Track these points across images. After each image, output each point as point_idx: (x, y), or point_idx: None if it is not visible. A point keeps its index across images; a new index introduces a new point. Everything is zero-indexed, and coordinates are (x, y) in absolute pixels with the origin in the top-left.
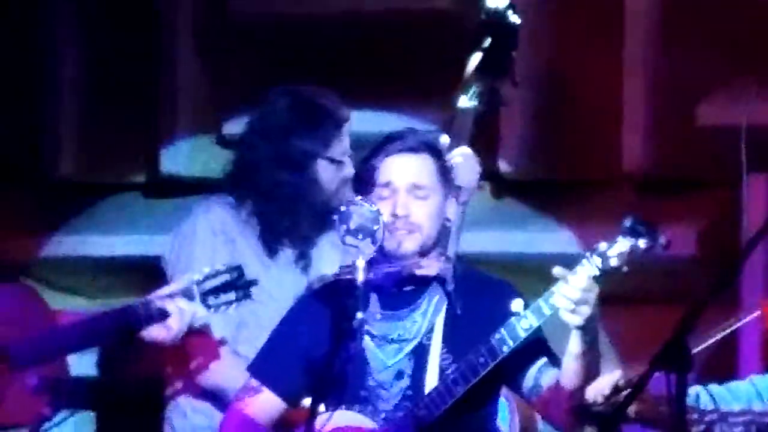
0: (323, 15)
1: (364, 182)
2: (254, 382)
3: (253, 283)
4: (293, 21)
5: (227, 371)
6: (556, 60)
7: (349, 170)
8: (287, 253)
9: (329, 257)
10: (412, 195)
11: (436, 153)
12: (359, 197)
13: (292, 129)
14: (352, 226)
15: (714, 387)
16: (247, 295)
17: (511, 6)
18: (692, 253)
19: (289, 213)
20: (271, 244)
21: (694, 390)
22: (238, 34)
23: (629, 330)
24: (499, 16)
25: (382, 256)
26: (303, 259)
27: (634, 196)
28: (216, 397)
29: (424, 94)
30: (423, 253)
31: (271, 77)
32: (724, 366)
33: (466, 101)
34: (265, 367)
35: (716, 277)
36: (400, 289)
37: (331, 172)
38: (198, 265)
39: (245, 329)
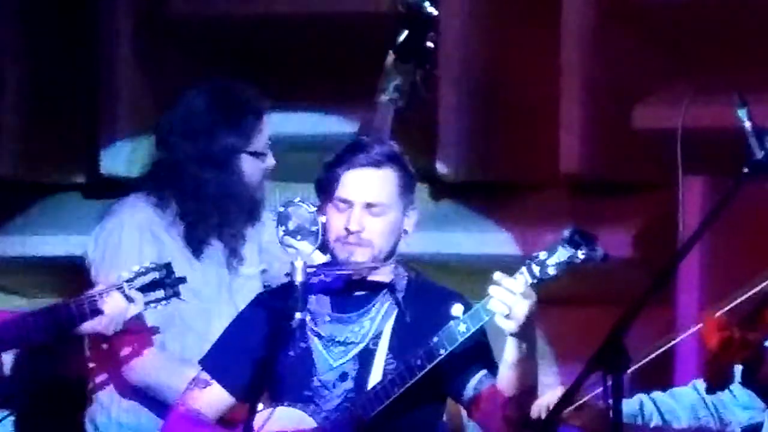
0: (261, 16)
1: (324, 191)
2: (205, 375)
3: (181, 280)
4: (232, 22)
5: (154, 367)
6: (492, 61)
7: (270, 161)
8: (214, 251)
9: (250, 254)
10: (368, 211)
11: (401, 165)
12: (297, 198)
13: (212, 125)
14: (291, 227)
15: (657, 394)
16: (176, 293)
17: None
18: (628, 255)
19: (216, 210)
20: (196, 242)
21: (637, 398)
22: (176, 35)
23: (565, 331)
24: (415, 6)
25: (334, 262)
26: (235, 256)
27: (571, 197)
28: (142, 394)
29: (365, 96)
30: (375, 263)
31: (209, 78)
32: (660, 372)
33: (385, 96)
34: (215, 362)
35: (652, 279)
36: (351, 293)
37: (254, 166)
38: (124, 263)
39: (172, 327)
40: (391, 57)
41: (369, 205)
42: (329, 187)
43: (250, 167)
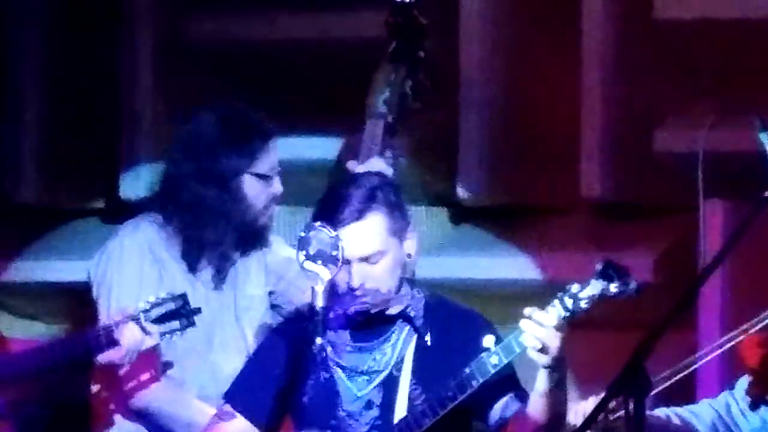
0: (281, 41)
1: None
2: (228, 408)
3: (197, 311)
4: (251, 47)
5: (160, 396)
6: (512, 85)
7: (277, 186)
8: (209, 271)
9: (255, 276)
10: (365, 263)
11: (386, 202)
12: (318, 223)
13: (216, 145)
14: (312, 251)
15: (680, 410)
16: (192, 323)
17: (416, 5)
18: (649, 279)
19: (211, 229)
20: (192, 261)
21: (663, 412)
22: (196, 60)
23: (586, 355)
24: (403, 13)
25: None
26: (218, 275)
27: (591, 221)
28: (146, 419)
29: None
30: (386, 301)
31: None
32: (683, 390)
33: (376, 109)
34: (239, 395)
35: (674, 302)
36: (369, 323)
37: (257, 188)
38: (127, 285)
39: (173, 350)
40: (380, 69)
41: (364, 259)
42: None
43: (253, 189)
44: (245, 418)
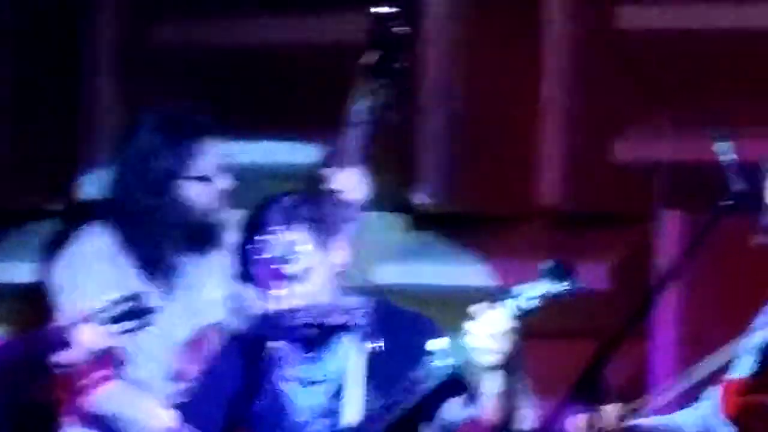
0: (243, 46)
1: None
2: (180, 422)
3: (153, 310)
4: (212, 52)
5: (115, 398)
6: (472, 92)
7: (222, 183)
8: (164, 275)
9: (215, 279)
10: (293, 281)
11: (308, 218)
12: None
13: (151, 150)
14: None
15: (664, 420)
16: (148, 323)
17: (399, 14)
18: (605, 288)
19: (156, 235)
20: (147, 266)
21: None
22: (157, 64)
23: (542, 364)
24: (385, 23)
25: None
26: (172, 280)
27: (549, 229)
28: (102, 423)
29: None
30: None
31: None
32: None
33: (355, 118)
34: (190, 409)
35: (629, 312)
36: (318, 334)
37: (197, 190)
38: (87, 291)
39: (132, 355)
40: (359, 78)
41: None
42: (247, 258)
43: (195, 192)
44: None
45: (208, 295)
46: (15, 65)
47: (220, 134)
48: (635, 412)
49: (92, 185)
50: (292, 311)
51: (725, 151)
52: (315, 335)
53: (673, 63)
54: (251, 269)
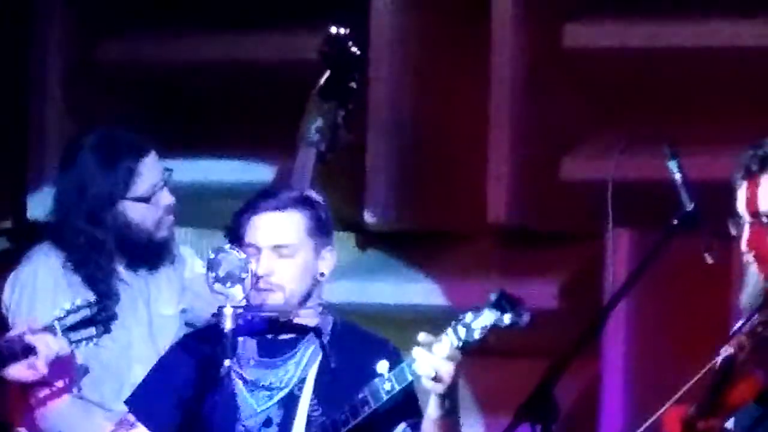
0: (190, 62)
1: (233, 239)
2: (131, 417)
3: (113, 317)
4: (160, 68)
5: (65, 413)
6: (421, 111)
7: (166, 200)
8: (128, 293)
9: (167, 294)
10: (276, 254)
11: (308, 208)
12: (227, 245)
13: (89, 174)
14: (221, 273)
15: None
16: (108, 330)
17: (350, 36)
18: (554, 306)
19: (95, 259)
20: (95, 286)
21: None
22: (106, 81)
23: (491, 383)
24: (337, 45)
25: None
26: (123, 297)
27: (498, 247)
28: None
29: (292, 143)
30: (289, 307)
31: (137, 124)
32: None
33: (308, 138)
34: (140, 404)
35: (579, 330)
36: (276, 336)
37: (140, 210)
38: (39, 309)
39: (91, 372)
40: (312, 99)
41: (277, 248)
42: (237, 234)
43: (136, 212)
44: (145, 426)
45: (164, 311)
46: None
47: (161, 152)
48: None
49: (41, 204)
50: (258, 284)
51: (675, 169)
52: (275, 335)
53: (622, 81)
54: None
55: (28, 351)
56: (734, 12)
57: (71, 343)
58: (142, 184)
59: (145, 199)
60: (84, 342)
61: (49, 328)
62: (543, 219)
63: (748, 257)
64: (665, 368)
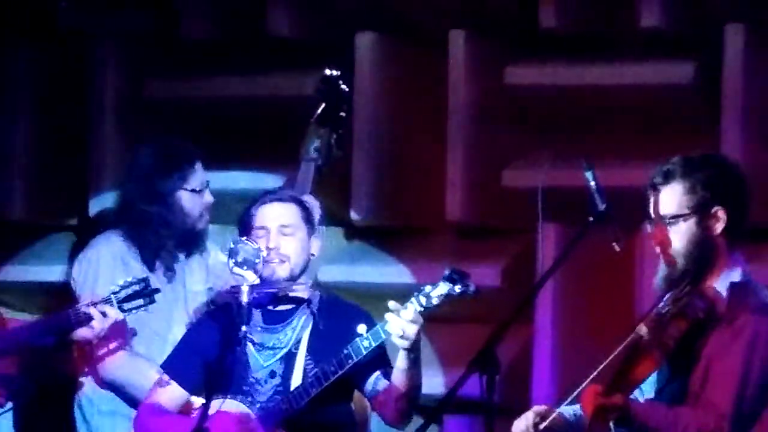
0: (217, 97)
1: (245, 225)
2: (165, 377)
3: (156, 291)
4: (193, 102)
5: (122, 366)
6: (394, 134)
7: (208, 197)
8: (162, 270)
9: (198, 275)
10: (281, 233)
11: (301, 203)
12: (244, 237)
13: (154, 170)
14: (239, 259)
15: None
16: (153, 301)
17: (341, 77)
18: (498, 285)
19: (157, 237)
20: (149, 263)
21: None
22: (150, 112)
23: (449, 343)
24: (331, 83)
25: (262, 280)
26: (169, 272)
27: (454, 239)
28: (111, 385)
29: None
30: (293, 278)
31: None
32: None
33: (308, 155)
34: (173, 366)
35: (516, 303)
36: (276, 307)
37: (192, 201)
38: (102, 284)
39: (140, 332)
40: (311, 124)
41: (282, 227)
42: (249, 222)
43: (189, 202)
44: (178, 384)
45: (195, 288)
46: (39, 112)
47: (203, 161)
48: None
49: (99, 205)
50: (269, 255)
51: (591, 178)
52: (277, 305)
53: (550, 111)
54: (248, 256)
55: (91, 318)
56: (637, 56)
57: (124, 311)
58: (195, 180)
59: (197, 192)
60: (134, 310)
61: (107, 300)
62: (488, 217)
63: (657, 249)
64: (583, 332)
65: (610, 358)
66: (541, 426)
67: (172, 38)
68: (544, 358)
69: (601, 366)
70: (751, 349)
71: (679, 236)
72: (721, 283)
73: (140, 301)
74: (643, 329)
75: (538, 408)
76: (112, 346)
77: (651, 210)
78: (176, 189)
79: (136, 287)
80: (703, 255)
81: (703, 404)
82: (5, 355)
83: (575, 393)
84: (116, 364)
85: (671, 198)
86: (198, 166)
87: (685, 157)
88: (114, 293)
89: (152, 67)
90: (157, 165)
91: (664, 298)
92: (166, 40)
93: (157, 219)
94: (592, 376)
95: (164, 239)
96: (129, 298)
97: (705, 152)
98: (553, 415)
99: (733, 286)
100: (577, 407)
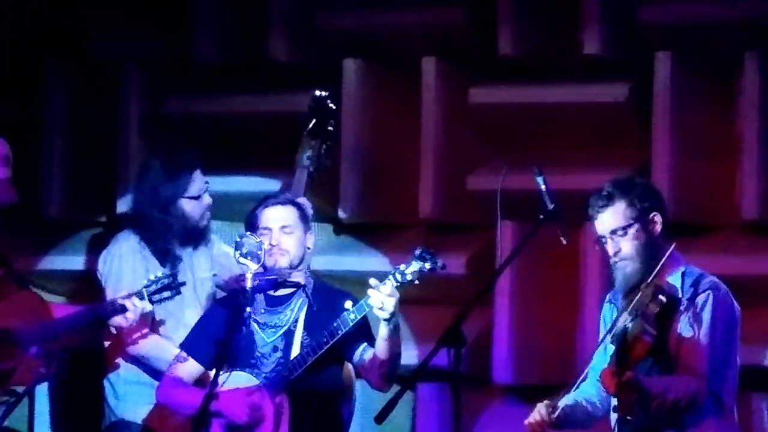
0: (227, 113)
1: (251, 225)
2: (183, 354)
3: (182, 284)
4: (205, 117)
5: (147, 345)
6: (377, 145)
7: (207, 200)
8: (181, 263)
9: (204, 264)
10: (282, 232)
11: (298, 205)
12: (248, 232)
13: (157, 181)
14: (244, 251)
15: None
16: (179, 292)
17: (329, 97)
18: (463, 272)
19: (161, 239)
20: (160, 257)
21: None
22: (168, 126)
23: (422, 321)
24: (320, 101)
25: (265, 269)
26: (178, 265)
27: (426, 234)
28: (142, 363)
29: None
30: (292, 267)
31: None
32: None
33: (301, 163)
34: (190, 344)
35: (478, 288)
36: (276, 292)
37: (192, 206)
38: (123, 274)
39: (161, 315)
40: (304, 137)
41: (282, 227)
42: (254, 223)
43: (189, 207)
44: (195, 360)
45: (202, 275)
46: (76, 122)
47: (207, 170)
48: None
49: (124, 205)
50: (271, 250)
51: (541, 182)
52: (278, 289)
53: (508, 125)
54: (252, 248)
55: (125, 309)
56: (580, 78)
57: (153, 303)
58: (193, 188)
59: (196, 198)
60: (162, 301)
61: (138, 294)
62: (455, 215)
63: (613, 260)
64: (536, 312)
65: (599, 344)
66: (554, 415)
67: (187, 62)
68: (502, 335)
69: (594, 352)
70: (713, 318)
71: (629, 243)
72: (674, 277)
73: (167, 293)
74: (627, 319)
75: (546, 402)
76: (144, 330)
77: (598, 232)
78: (177, 197)
79: (165, 281)
80: (652, 253)
81: (685, 369)
82: (54, 339)
83: (577, 383)
84: (146, 345)
85: (616, 215)
86: (196, 174)
87: (614, 181)
88: (146, 287)
89: (169, 87)
90: (160, 178)
91: (636, 295)
92: (182, 64)
93: (160, 224)
94: (586, 371)
95: (168, 240)
96: (158, 291)
97: (628, 172)
98: (563, 403)
99: (683, 275)
100: (576, 394)
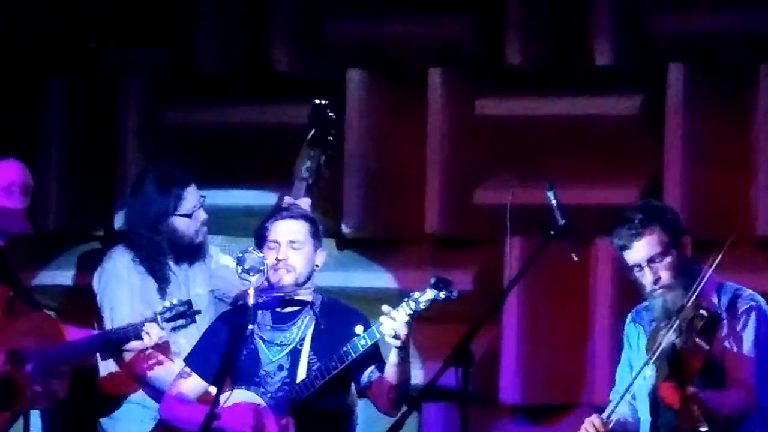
0: (224, 124)
1: (260, 237)
2: (187, 369)
3: (197, 312)
4: (204, 128)
5: (164, 373)
6: (381, 156)
7: (202, 216)
8: (175, 279)
9: (200, 280)
10: (290, 247)
11: (310, 219)
12: (250, 247)
13: (149, 199)
14: (246, 266)
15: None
16: (193, 321)
17: (329, 105)
18: (470, 289)
19: (154, 257)
20: (155, 274)
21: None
22: (166, 135)
23: (428, 339)
24: (320, 110)
25: (270, 285)
26: (172, 283)
27: (432, 249)
28: (155, 390)
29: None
30: (297, 285)
31: (191, 169)
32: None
33: (300, 174)
34: (193, 360)
35: (487, 306)
36: (283, 309)
37: (185, 223)
38: (119, 292)
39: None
40: (303, 146)
41: (291, 242)
42: (263, 235)
43: (182, 224)
44: (198, 376)
45: (198, 291)
46: (71, 137)
47: (205, 184)
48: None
49: (122, 219)
50: (277, 265)
51: (552, 197)
52: (284, 307)
53: (516, 137)
54: (254, 263)
55: (138, 335)
56: (591, 90)
57: (169, 330)
58: (186, 205)
59: (188, 215)
60: (177, 329)
61: (154, 320)
62: (462, 230)
63: (651, 287)
64: (545, 330)
65: (641, 367)
66: (609, 427)
67: (187, 73)
68: (510, 354)
69: (638, 371)
70: (757, 333)
71: (667, 270)
72: (711, 293)
73: (182, 321)
74: (672, 336)
75: (595, 415)
76: (161, 358)
77: (634, 261)
78: (168, 215)
79: (180, 309)
80: (689, 276)
81: (735, 384)
82: (69, 363)
83: (617, 401)
84: (159, 373)
85: (652, 242)
86: (189, 190)
87: (641, 208)
88: (160, 314)
89: (170, 97)
90: (152, 194)
91: (676, 314)
92: (182, 75)
93: (148, 243)
94: (635, 376)
95: (157, 259)
96: (174, 318)
97: (642, 198)
98: (615, 417)
99: (718, 290)
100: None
